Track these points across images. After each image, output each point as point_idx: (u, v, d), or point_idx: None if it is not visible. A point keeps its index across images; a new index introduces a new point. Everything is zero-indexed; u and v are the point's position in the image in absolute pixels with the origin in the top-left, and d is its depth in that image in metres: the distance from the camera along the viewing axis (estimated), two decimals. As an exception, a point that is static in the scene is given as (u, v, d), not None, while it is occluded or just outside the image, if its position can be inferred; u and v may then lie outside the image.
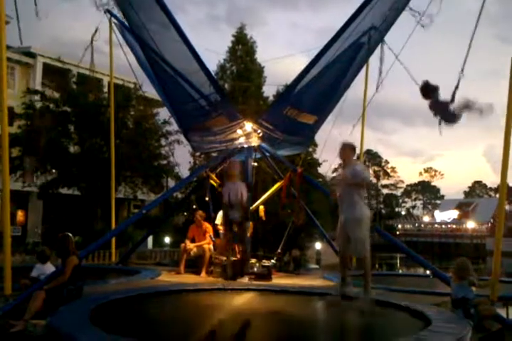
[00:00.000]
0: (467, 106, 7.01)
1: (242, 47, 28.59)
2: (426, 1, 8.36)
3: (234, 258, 9.41)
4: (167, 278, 8.96)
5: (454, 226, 64.05)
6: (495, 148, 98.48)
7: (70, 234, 6.53)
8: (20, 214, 27.54)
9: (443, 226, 65.17)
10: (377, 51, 10.30)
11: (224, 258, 9.28)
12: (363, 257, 6.22)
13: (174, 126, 20.92)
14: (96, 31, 10.73)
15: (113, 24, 10.99)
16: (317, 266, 16.04)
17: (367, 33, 9.54)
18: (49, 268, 6.79)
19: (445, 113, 7.15)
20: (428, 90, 7.30)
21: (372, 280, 6.37)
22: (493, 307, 6.18)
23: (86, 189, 20.86)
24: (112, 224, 12.11)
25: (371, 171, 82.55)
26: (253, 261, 9.47)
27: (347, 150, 6.40)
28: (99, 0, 9.71)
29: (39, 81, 28.77)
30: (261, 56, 29.66)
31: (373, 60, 10.60)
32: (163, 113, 22.27)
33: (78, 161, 20.06)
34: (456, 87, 7.09)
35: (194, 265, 9.74)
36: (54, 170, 21.24)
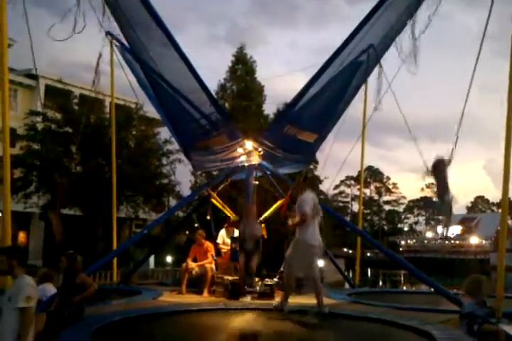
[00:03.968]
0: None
1: (242, 67, 28.93)
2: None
3: (236, 277, 9.36)
4: (169, 298, 8.89)
5: (458, 241, 63.61)
6: (496, 162, 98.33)
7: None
8: (21, 236, 27.46)
9: (446, 241, 64.72)
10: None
11: (226, 277, 9.24)
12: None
13: (175, 145, 21.04)
14: (100, 56, 10.83)
15: (114, 46, 11.12)
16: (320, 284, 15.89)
17: (366, 51, 9.66)
18: (50, 289, 6.76)
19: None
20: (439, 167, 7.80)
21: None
22: (497, 326, 6.11)
23: (88, 209, 20.85)
24: (114, 244, 12.06)
25: (372, 187, 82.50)
26: (256, 279, 9.40)
27: (302, 183, 7.15)
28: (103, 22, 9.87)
29: (41, 102, 29.00)
30: (261, 75, 29.98)
31: (373, 77, 10.71)
32: (164, 132, 22.40)
33: (80, 181, 20.08)
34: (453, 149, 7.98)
35: (196, 285, 9.68)
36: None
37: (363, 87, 11.45)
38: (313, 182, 7.66)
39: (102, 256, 9.68)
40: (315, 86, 9.25)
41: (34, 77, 29.48)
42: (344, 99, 10.54)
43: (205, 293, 9.26)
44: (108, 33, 10.68)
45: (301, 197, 7.06)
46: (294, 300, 8.71)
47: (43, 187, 20.72)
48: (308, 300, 8.52)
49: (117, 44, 10.94)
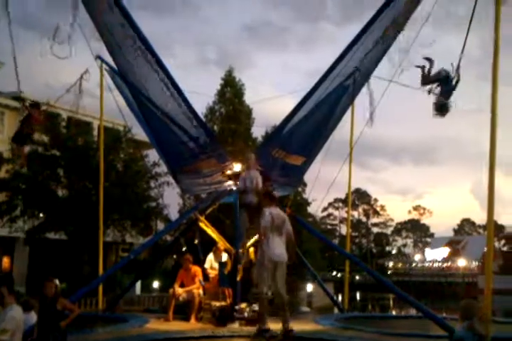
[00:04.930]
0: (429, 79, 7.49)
1: (231, 90, 29.15)
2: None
3: (224, 303, 9.23)
4: (155, 325, 8.71)
5: (445, 264, 63.66)
6: (482, 185, 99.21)
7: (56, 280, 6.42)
8: (5, 261, 26.92)
9: (434, 264, 64.74)
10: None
11: (214, 303, 9.10)
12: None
13: (163, 168, 20.95)
14: (86, 71, 10.85)
15: (104, 70, 11.17)
16: (308, 309, 15.74)
17: (352, 75, 9.80)
18: (33, 317, 6.59)
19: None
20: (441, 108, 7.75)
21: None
22: None
23: (73, 233, 20.57)
24: (100, 268, 11.88)
25: (360, 210, 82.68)
26: (243, 305, 9.26)
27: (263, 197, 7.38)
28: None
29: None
30: (250, 98, 30.21)
31: (359, 99, 10.80)
32: (153, 154, 22.34)
33: (66, 205, 19.87)
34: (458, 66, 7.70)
35: (183, 311, 9.51)
36: (41, 215, 20.99)
37: (350, 109, 11.55)
38: (275, 198, 7.55)
39: (88, 281, 9.52)
40: (303, 109, 9.34)
41: (21, 99, 29.39)
42: (331, 122, 10.63)
43: (193, 320, 9.09)
44: (98, 57, 10.75)
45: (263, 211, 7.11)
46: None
47: (28, 211, 20.43)
48: (296, 326, 8.41)
49: (107, 68, 11.00)
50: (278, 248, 6.86)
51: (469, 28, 7.58)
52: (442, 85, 7.87)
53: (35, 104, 8.88)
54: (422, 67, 8.02)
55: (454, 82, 7.86)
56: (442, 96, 7.82)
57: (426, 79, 7.97)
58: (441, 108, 7.93)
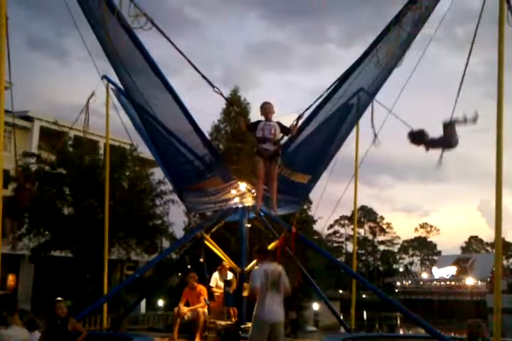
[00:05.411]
0: (451, 124, 7.36)
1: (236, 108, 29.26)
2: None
3: (229, 322, 9.16)
4: (160, 344, 8.65)
5: (453, 282, 62.92)
6: (489, 202, 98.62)
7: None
8: (11, 279, 26.86)
9: (442, 283, 64.00)
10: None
11: (219, 322, 9.03)
12: None
13: (169, 186, 20.99)
14: (92, 95, 11.04)
15: (110, 89, 11.30)
16: (315, 328, 15.56)
17: (356, 94, 9.85)
18: (37, 337, 6.55)
19: (441, 143, 7.59)
20: (416, 138, 7.63)
21: None
22: None
23: (79, 251, 20.56)
24: (105, 287, 11.84)
25: (366, 227, 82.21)
26: (249, 324, 9.18)
27: (256, 254, 7.01)
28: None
29: (36, 144, 29.09)
30: (255, 117, 30.32)
31: (365, 117, 10.84)
32: (158, 173, 22.41)
33: (72, 223, 19.89)
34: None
35: (188, 330, 9.43)
36: (47, 233, 21.00)
37: (355, 127, 11.58)
38: (269, 253, 7.37)
39: (93, 299, 9.47)
40: (307, 128, 9.38)
41: (29, 118, 29.70)
42: (336, 141, 10.66)
43: (198, 339, 9.03)
44: (104, 77, 10.90)
45: (253, 270, 6.73)
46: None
47: (34, 229, 20.46)
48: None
49: (113, 87, 11.13)
50: (275, 308, 6.38)
51: (466, 67, 7.59)
52: (448, 139, 7.76)
53: (28, 177, 9.03)
54: (464, 119, 7.71)
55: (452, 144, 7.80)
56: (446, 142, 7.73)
57: (451, 124, 7.79)
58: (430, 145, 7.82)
